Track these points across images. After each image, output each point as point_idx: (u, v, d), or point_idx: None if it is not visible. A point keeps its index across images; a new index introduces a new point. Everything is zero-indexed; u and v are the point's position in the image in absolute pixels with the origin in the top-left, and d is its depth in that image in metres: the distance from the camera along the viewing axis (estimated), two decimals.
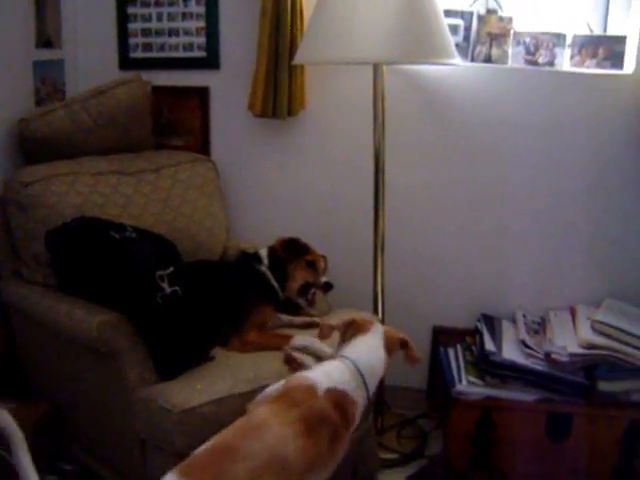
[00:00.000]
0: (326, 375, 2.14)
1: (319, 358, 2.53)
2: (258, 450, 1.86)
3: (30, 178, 2.80)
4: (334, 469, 2.10)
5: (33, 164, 2.95)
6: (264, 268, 2.91)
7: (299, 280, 2.91)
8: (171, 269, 2.41)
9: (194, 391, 2.29)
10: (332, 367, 2.18)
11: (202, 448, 1.86)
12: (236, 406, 2.28)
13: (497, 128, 3.24)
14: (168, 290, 2.37)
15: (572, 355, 2.88)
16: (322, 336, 2.35)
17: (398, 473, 3.00)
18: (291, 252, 2.93)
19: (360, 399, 2.15)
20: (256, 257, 2.95)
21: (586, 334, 2.94)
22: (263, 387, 2.36)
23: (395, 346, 2.34)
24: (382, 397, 3.23)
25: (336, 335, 2.64)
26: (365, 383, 2.17)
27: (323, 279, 2.92)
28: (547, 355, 2.90)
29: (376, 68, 2.96)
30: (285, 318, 2.86)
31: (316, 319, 2.84)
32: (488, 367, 2.93)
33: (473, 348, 3.15)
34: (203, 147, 3.53)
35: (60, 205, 2.78)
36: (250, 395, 2.32)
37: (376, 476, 2.95)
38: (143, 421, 2.33)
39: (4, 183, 2.88)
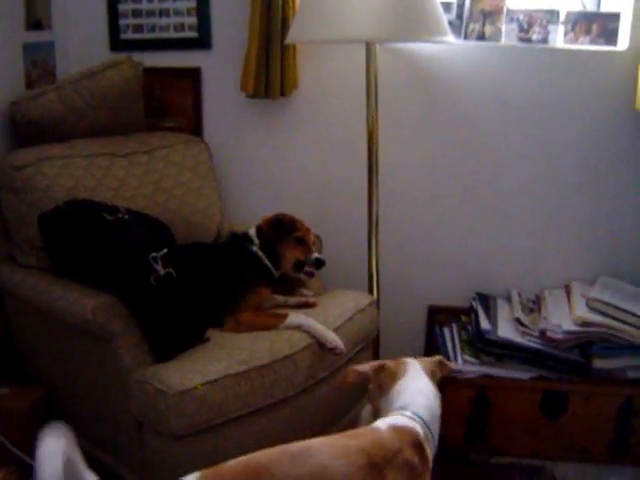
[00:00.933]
0: (385, 421, 1.93)
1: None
2: (293, 476, 1.65)
3: (22, 161, 2.78)
4: None
5: (25, 147, 2.93)
6: (255, 249, 2.85)
7: (291, 258, 2.85)
8: (165, 251, 2.40)
9: (192, 385, 2.25)
10: (391, 419, 1.93)
11: (233, 461, 1.68)
12: (231, 386, 2.30)
13: (491, 106, 3.24)
14: (162, 272, 2.36)
15: (567, 332, 2.89)
16: (346, 380, 2.14)
17: None
18: (278, 231, 2.87)
19: (429, 448, 1.92)
20: (246, 238, 2.90)
21: (581, 311, 2.95)
22: (257, 367, 2.39)
23: (437, 370, 2.14)
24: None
25: (333, 312, 2.66)
26: (431, 431, 1.94)
27: (314, 255, 2.84)
28: (542, 333, 2.91)
29: (369, 46, 2.95)
30: (280, 298, 2.85)
31: (311, 299, 2.84)
32: (484, 345, 2.94)
33: (468, 327, 3.16)
34: (196, 128, 3.50)
35: (52, 188, 2.77)
36: (245, 375, 2.34)
37: None
38: (139, 403, 2.32)
39: None
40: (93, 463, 2.67)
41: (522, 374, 2.94)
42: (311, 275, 2.86)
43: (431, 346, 3.31)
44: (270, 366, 2.41)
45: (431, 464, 1.91)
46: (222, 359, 2.37)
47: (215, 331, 2.60)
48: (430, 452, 1.91)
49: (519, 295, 3.24)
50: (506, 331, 2.97)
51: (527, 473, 2.90)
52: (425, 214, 3.40)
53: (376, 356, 3.08)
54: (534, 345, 2.91)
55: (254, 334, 2.55)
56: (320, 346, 2.58)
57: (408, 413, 1.92)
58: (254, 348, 2.45)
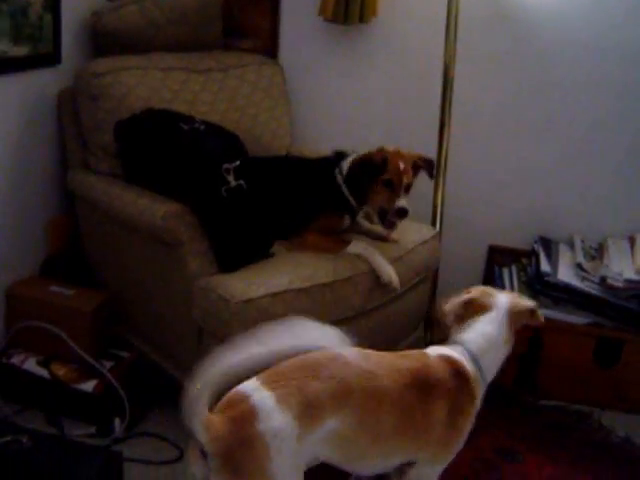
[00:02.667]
0: (437, 350, 2.00)
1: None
2: (347, 375, 1.74)
3: (101, 69, 2.83)
4: (459, 449, 1.96)
5: (103, 57, 2.97)
6: (340, 178, 2.70)
7: (375, 204, 2.66)
8: (237, 163, 2.44)
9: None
10: (443, 348, 2.00)
11: (287, 362, 1.75)
12: (292, 301, 2.35)
13: (570, 48, 3.18)
14: (233, 183, 2.40)
15: (628, 281, 2.88)
16: (436, 322, 2.20)
17: None
18: (366, 170, 2.63)
19: (477, 387, 1.97)
20: (337, 163, 2.74)
21: None
22: (319, 285, 2.43)
23: (523, 318, 2.09)
24: (433, 314, 3.26)
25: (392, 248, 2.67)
26: (482, 373, 1.97)
27: (398, 204, 2.59)
28: (602, 279, 2.90)
29: None
30: (366, 225, 2.84)
31: (395, 237, 2.80)
32: (542, 287, 2.94)
33: (528, 269, 3.15)
34: (271, 51, 3.51)
35: (129, 97, 2.81)
36: (306, 291, 2.39)
37: None
38: (202, 310, 2.39)
39: (76, 74, 2.91)
40: (151, 366, 2.80)
41: (578, 319, 2.94)
42: (392, 226, 2.67)
43: (489, 285, 3.31)
44: (331, 285, 2.45)
45: (478, 403, 1.97)
46: (286, 274, 2.42)
47: (280, 248, 2.64)
48: (478, 392, 1.96)
49: (582, 242, 3.22)
50: (566, 275, 2.96)
51: (574, 418, 2.91)
52: (494, 154, 3.38)
53: (434, 289, 3.11)
54: (593, 291, 2.91)
55: (318, 255, 2.58)
56: (376, 277, 2.61)
57: (461, 349, 1.98)
58: (317, 267, 2.50)
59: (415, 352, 1.99)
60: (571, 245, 3.23)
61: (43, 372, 2.73)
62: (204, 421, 1.58)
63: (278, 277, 2.40)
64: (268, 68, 3.34)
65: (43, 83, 2.97)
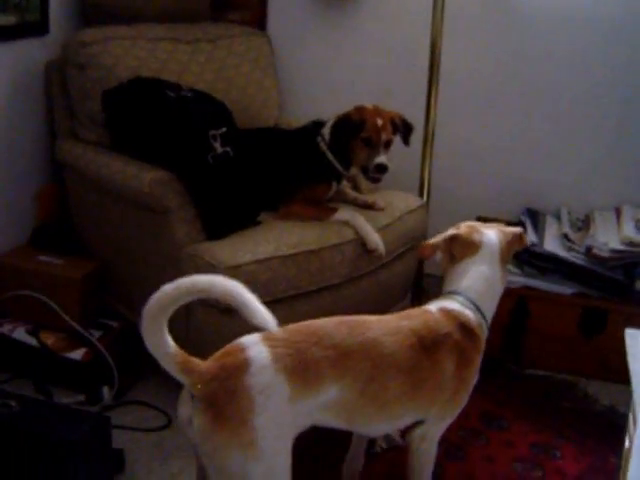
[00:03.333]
0: (437, 303, 1.98)
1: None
2: (350, 344, 1.73)
3: (89, 39, 2.83)
4: (467, 398, 1.97)
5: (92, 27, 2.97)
6: (324, 145, 2.72)
7: (357, 160, 2.69)
8: (224, 129, 2.45)
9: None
10: (443, 301, 1.98)
11: (292, 325, 1.76)
12: (279, 267, 2.37)
13: (557, 20, 3.18)
14: (220, 150, 2.41)
15: (613, 251, 2.90)
16: (423, 256, 2.13)
17: None
18: (345, 129, 2.66)
19: (481, 333, 1.97)
20: (318, 131, 2.76)
21: (629, 232, 2.96)
22: (305, 252, 2.45)
23: (513, 248, 2.09)
24: (421, 284, 3.28)
25: (378, 216, 2.69)
26: (484, 317, 1.98)
27: (376, 160, 2.62)
28: (588, 249, 2.92)
29: None
30: (351, 194, 2.86)
31: (380, 203, 2.83)
32: (528, 257, 2.97)
33: None
34: (260, 22, 3.51)
35: (117, 67, 2.82)
36: (293, 258, 2.41)
37: None
38: (189, 276, 2.40)
39: (64, 44, 2.91)
40: (140, 335, 2.81)
41: (564, 289, 2.97)
42: (376, 180, 2.69)
43: None
44: (317, 253, 2.48)
45: (483, 348, 1.97)
46: (272, 241, 2.44)
47: (267, 216, 2.66)
48: (483, 338, 1.97)
49: (568, 213, 3.24)
50: (552, 245, 2.99)
51: (559, 387, 2.93)
52: (482, 126, 3.39)
53: (422, 259, 3.13)
54: (579, 261, 2.93)
55: (305, 223, 2.60)
56: (362, 245, 2.63)
57: (461, 298, 1.96)
58: (304, 234, 2.52)
59: (416, 310, 1.98)
60: (558, 217, 3.25)
61: (32, 341, 2.75)
62: (176, 358, 1.60)
63: (265, 244, 2.41)
64: (256, 39, 3.34)
65: (31, 53, 2.98)
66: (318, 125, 2.78)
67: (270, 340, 1.66)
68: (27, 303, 2.78)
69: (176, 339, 2.56)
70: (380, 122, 2.65)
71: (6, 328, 2.79)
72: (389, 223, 2.75)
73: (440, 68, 3.04)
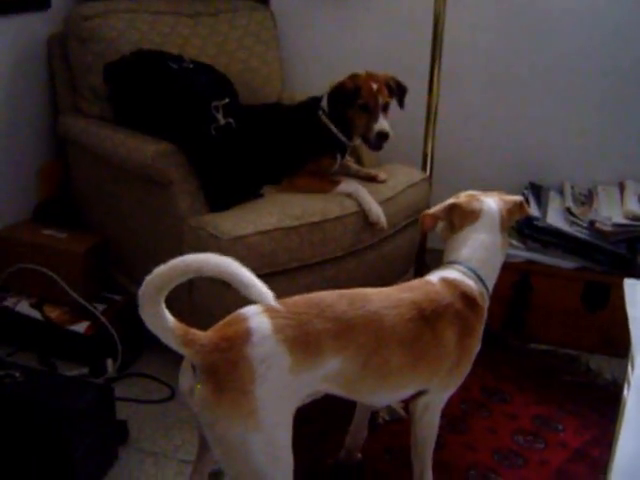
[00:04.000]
0: (438, 274, 1.97)
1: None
2: (352, 316, 1.73)
3: (91, 12, 2.84)
4: (469, 367, 1.97)
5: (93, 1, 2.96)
6: (325, 117, 2.73)
7: (357, 128, 2.70)
8: (226, 100, 2.45)
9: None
10: (444, 271, 1.97)
11: (294, 297, 1.75)
12: (282, 239, 2.38)
13: None
14: (222, 121, 2.42)
15: (616, 225, 2.90)
16: (424, 227, 2.09)
17: None
18: (341, 98, 2.67)
19: (483, 302, 1.96)
20: (316, 104, 2.78)
21: (632, 206, 2.96)
22: (308, 224, 2.45)
23: (514, 216, 2.07)
24: (423, 259, 3.28)
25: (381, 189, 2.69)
26: (486, 286, 1.97)
27: (377, 128, 2.63)
28: (591, 224, 2.92)
29: None
30: (354, 167, 2.87)
31: (382, 176, 2.84)
32: (531, 231, 2.97)
33: None
34: None
35: (119, 40, 2.82)
36: (295, 230, 2.42)
37: None
38: (192, 248, 2.39)
39: (65, 18, 2.92)
40: None
41: (566, 263, 2.97)
42: (378, 148, 2.70)
43: None
44: (320, 224, 2.48)
45: (485, 317, 1.97)
46: (275, 213, 2.44)
47: (270, 189, 2.67)
48: (484, 307, 1.97)
49: (572, 188, 3.23)
50: (555, 220, 2.98)
51: (562, 361, 2.94)
52: (485, 100, 3.38)
53: (425, 234, 3.13)
54: (582, 235, 2.93)
55: (308, 195, 2.61)
56: (365, 218, 2.63)
57: (462, 268, 1.95)
58: (306, 206, 2.52)
59: (417, 281, 1.97)
60: (561, 191, 3.24)
61: (36, 314, 2.77)
62: (175, 332, 1.60)
63: (268, 216, 2.42)
64: (259, 13, 3.34)
65: (33, 28, 2.98)
66: (316, 100, 2.79)
67: (271, 311, 1.66)
68: (31, 277, 2.80)
69: (180, 312, 2.59)
70: (375, 86, 2.66)
71: (10, 302, 2.82)
72: (391, 196, 2.75)
73: (443, 41, 3.03)
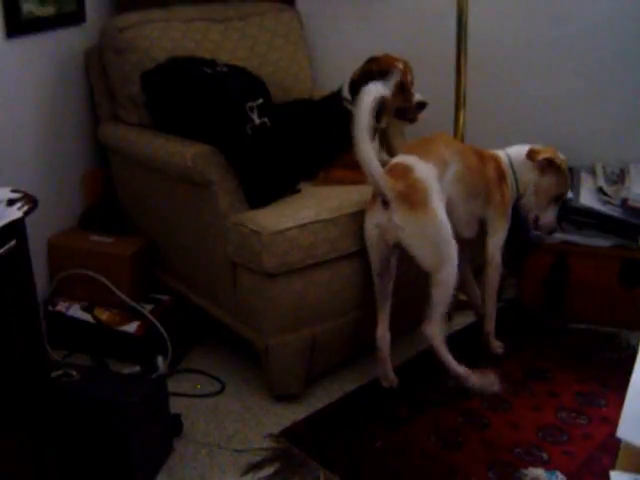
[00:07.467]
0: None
1: None
2: (454, 146, 2.70)
3: (125, 24, 2.92)
4: (508, 224, 2.79)
5: (126, 12, 3.06)
6: (349, 106, 2.75)
7: (392, 107, 2.82)
8: (260, 100, 2.52)
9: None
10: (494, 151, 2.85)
11: (412, 143, 2.75)
12: (320, 231, 2.46)
13: None
14: (257, 121, 2.48)
15: None
16: None
17: (470, 316, 3.09)
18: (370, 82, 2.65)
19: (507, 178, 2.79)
20: (339, 94, 2.90)
21: None
22: (346, 215, 2.53)
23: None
24: None
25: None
26: (514, 172, 2.80)
27: (416, 99, 2.83)
28: (624, 201, 2.94)
29: None
30: (385, 157, 2.90)
31: None
32: (565, 213, 2.98)
33: None
34: None
35: (153, 49, 2.90)
36: (333, 221, 2.49)
37: (452, 316, 3.08)
38: (235, 244, 2.49)
39: (101, 31, 3.01)
40: (190, 306, 2.91)
41: (602, 242, 2.99)
42: (414, 120, 2.88)
43: (512, 213, 3.36)
44: (358, 215, 2.54)
45: (509, 196, 2.79)
46: (313, 207, 2.52)
47: (307, 184, 2.75)
48: (509, 184, 2.79)
49: (603, 168, 3.24)
50: (588, 200, 3.01)
51: (602, 339, 2.96)
52: (512, 85, 3.40)
53: None
54: (615, 214, 2.95)
55: (343, 188, 2.69)
56: None
57: (503, 153, 2.82)
58: (343, 199, 2.59)
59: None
60: (592, 172, 3.25)
61: (87, 317, 2.87)
62: (384, 177, 2.36)
63: (306, 210, 2.50)
64: (286, 15, 3.41)
65: (70, 42, 3.07)
66: (336, 93, 2.93)
67: (412, 152, 2.56)
68: (81, 281, 2.90)
69: (225, 306, 2.68)
70: (401, 65, 2.86)
71: (62, 306, 2.91)
72: None
73: (468, 31, 3.06)
